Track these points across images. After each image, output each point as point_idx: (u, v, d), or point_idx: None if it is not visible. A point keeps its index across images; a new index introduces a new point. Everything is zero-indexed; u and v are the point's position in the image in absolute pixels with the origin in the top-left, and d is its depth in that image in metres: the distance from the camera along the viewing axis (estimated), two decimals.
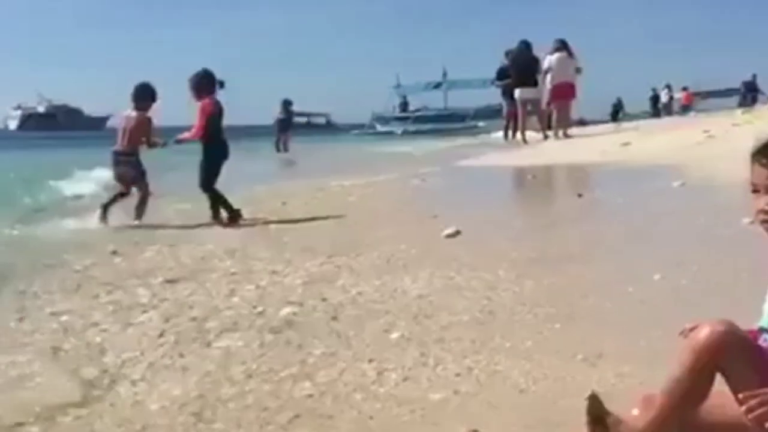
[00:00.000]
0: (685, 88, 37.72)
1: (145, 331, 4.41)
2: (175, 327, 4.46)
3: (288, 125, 25.57)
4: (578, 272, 5.19)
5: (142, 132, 9.40)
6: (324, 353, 3.81)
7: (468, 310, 4.44)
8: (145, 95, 9.50)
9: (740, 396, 1.93)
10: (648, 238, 6.16)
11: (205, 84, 9.13)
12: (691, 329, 2.13)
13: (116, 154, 9.48)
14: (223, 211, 8.96)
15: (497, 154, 16.86)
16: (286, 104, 25.57)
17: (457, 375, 3.38)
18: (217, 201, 8.97)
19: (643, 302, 4.30)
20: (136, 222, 9.07)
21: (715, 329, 2.04)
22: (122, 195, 9.36)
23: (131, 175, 9.36)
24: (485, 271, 5.31)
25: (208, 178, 9.02)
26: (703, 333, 2.04)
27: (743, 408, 1.90)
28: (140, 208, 9.23)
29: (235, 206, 9.05)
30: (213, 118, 9.06)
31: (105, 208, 9.20)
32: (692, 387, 2.04)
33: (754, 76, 34.81)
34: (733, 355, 2.00)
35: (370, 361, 3.62)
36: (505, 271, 5.27)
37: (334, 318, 4.47)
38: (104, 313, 4.83)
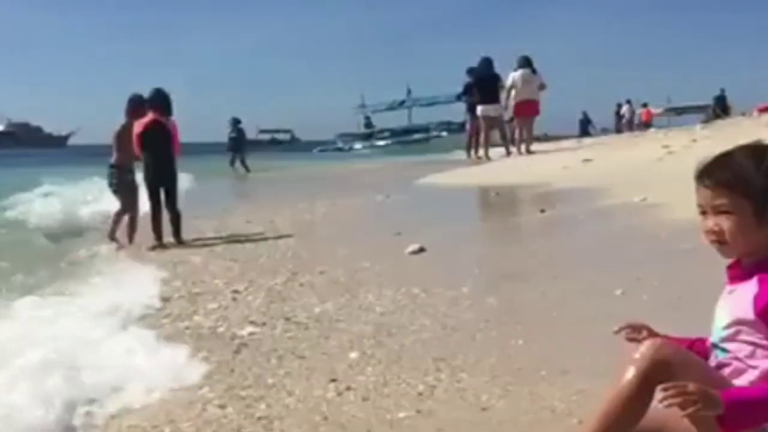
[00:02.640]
0: (645, 105, 38.13)
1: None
2: None
3: (240, 143, 25.24)
4: (541, 288, 5.20)
5: (119, 144, 9.20)
6: (285, 373, 3.76)
7: (431, 327, 4.42)
8: (130, 107, 9.30)
9: (659, 387, 1.93)
10: (609, 254, 6.19)
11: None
12: (623, 329, 2.14)
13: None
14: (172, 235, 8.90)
15: (460, 170, 16.92)
16: (236, 122, 25.24)
17: (420, 394, 3.35)
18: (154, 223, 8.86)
19: (605, 318, 4.31)
20: (129, 244, 8.99)
21: (656, 346, 2.05)
22: (122, 213, 9.23)
23: (113, 188, 9.28)
24: (449, 288, 5.30)
25: (150, 199, 8.94)
26: (645, 349, 2.05)
27: (660, 397, 1.90)
28: (129, 229, 9.14)
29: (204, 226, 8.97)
30: (145, 137, 8.84)
31: (112, 228, 9.19)
32: (631, 403, 2.04)
33: (722, 90, 35.14)
34: (677, 371, 2.00)
35: (332, 380, 3.59)
36: (468, 288, 5.26)
37: (296, 337, 4.43)
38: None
